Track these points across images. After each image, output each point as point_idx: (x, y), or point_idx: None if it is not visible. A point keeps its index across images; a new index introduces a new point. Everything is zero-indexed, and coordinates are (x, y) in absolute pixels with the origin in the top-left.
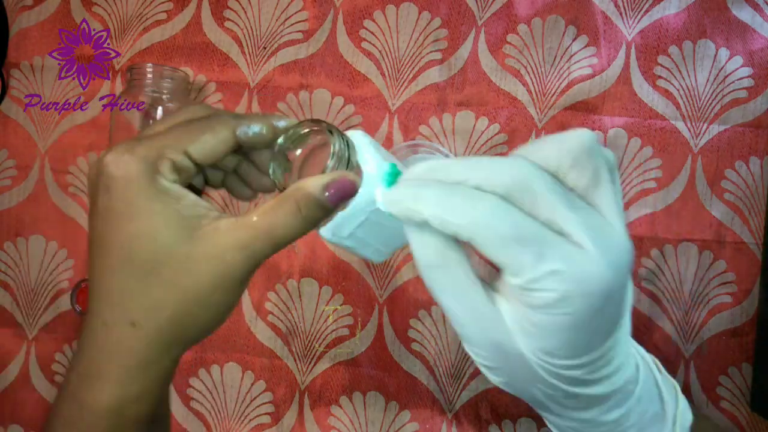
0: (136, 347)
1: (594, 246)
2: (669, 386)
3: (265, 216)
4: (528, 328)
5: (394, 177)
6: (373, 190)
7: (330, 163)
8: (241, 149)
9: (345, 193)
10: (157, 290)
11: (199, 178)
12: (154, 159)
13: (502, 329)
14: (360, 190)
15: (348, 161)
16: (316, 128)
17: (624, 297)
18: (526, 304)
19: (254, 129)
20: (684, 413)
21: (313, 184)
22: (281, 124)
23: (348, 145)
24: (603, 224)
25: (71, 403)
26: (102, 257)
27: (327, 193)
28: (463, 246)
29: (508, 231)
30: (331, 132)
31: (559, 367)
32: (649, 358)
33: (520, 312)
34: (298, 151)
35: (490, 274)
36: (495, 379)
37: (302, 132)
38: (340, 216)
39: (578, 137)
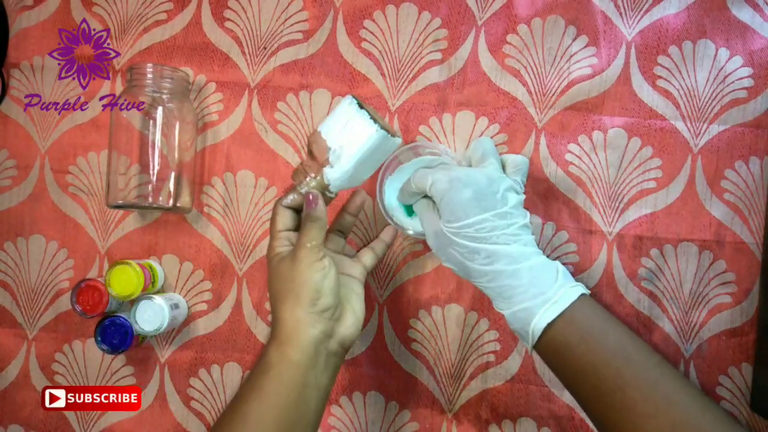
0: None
1: (444, 170)
2: (564, 272)
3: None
4: (439, 213)
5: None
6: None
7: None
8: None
9: (312, 200)
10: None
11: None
12: (281, 246)
13: (436, 221)
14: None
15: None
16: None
17: (489, 195)
18: (436, 197)
19: (290, 197)
20: (569, 282)
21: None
22: (302, 189)
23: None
24: (457, 171)
25: (275, 351)
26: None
27: (308, 206)
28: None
29: (434, 183)
30: (305, 176)
31: (454, 227)
32: (561, 267)
33: (437, 203)
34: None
35: None
36: (447, 265)
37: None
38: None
39: (481, 142)
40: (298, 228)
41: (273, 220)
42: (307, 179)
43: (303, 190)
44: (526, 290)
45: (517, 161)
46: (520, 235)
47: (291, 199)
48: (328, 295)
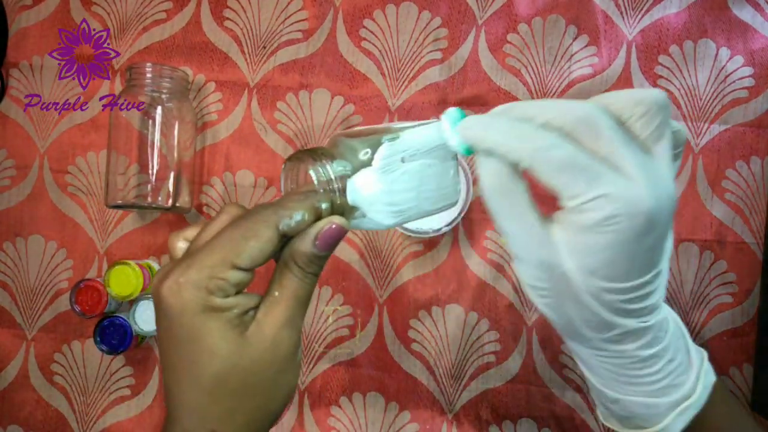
0: None
1: (642, 179)
2: (698, 351)
3: (283, 287)
4: (575, 247)
5: (462, 114)
6: (437, 134)
7: (320, 190)
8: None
9: (335, 238)
10: (226, 400)
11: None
12: (205, 283)
13: (552, 248)
14: (426, 132)
15: (335, 183)
16: (296, 166)
17: (665, 236)
18: (576, 224)
19: (296, 218)
20: (707, 373)
21: (305, 243)
22: (323, 204)
23: (333, 171)
24: (653, 166)
25: None
26: (172, 375)
27: (317, 243)
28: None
29: (562, 160)
30: (314, 164)
31: (600, 289)
32: (678, 319)
33: (570, 233)
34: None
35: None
36: (539, 301)
37: (288, 170)
38: (404, 142)
39: (655, 95)
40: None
41: (239, 240)
42: (326, 165)
43: (323, 205)
44: (657, 381)
45: (681, 137)
46: (661, 296)
47: (296, 221)
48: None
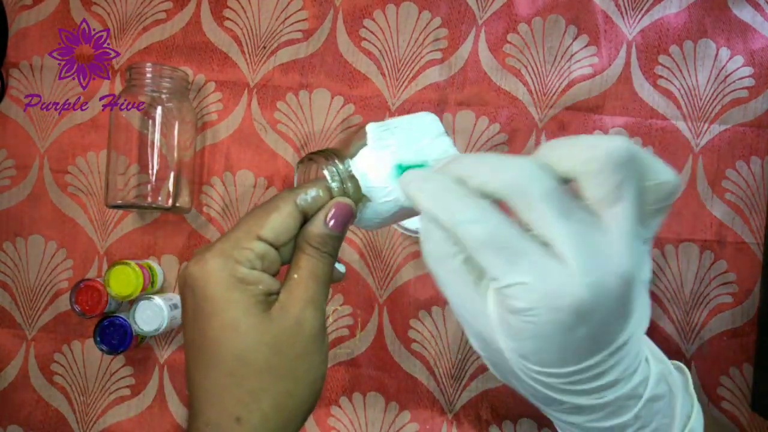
0: None
1: (575, 261)
2: (686, 404)
3: (301, 268)
4: (505, 328)
5: (401, 170)
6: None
7: (333, 185)
8: (307, 219)
9: (345, 217)
10: (250, 381)
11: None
12: (230, 252)
13: (486, 322)
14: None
15: (347, 180)
16: (309, 166)
17: (614, 320)
18: (502, 306)
19: (311, 194)
20: None
21: (316, 224)
22: (335, 185)
23: (343, 169)
24: (598, 242)
25: None
26: (195, 358)
27: (331, 223)
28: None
29: (486, 237)
30: (326, 162)
31: (535, 372)
32: (676, 374)
33: (499, 312)
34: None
35: None
36: (489, 366)
37: (303, 168)
38: (392, 123)
39: (613, 146)
40: (287, 257)
41: (261, 214)
42: (338, 164)
43: (334, 185)
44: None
45: (669, 188)
46: (639, 363)
47: (312, 196)
48: (312, 403)
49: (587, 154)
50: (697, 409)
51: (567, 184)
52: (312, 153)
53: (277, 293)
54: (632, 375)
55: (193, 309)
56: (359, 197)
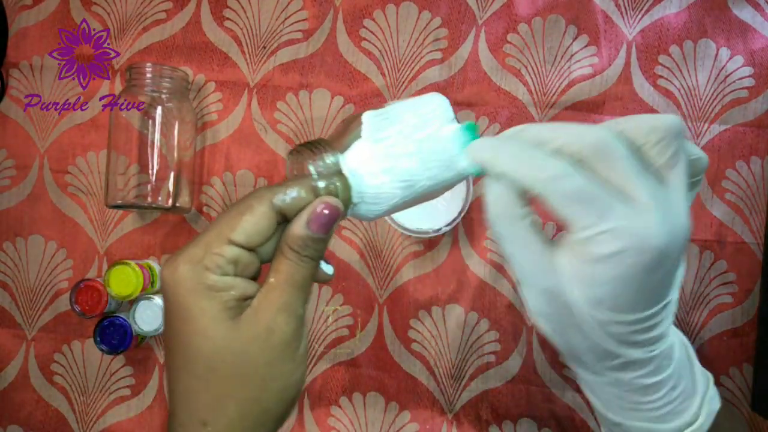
0: None
1: (654, 212)
2: (704, 374)
3: (278, 272)
4: (582, 277)
5: (472, 129)
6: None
7: (319, 183)
8: (286, 219)
9: (330, 219)
10: (217, 387)
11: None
12: (200, 257)
13: (557, 277)
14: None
15: (334, 178)
16: (297, 159)
17: (675, 268)
18: (584, 256)
19: (291, 195)
20: (712, 399)
21: (296, 226)
22: (320, 184)
23: (332, 163)
24: (668, 197)
25: None
26: (170, 360)
27: (313, 226)
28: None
29: (574, 191)
30: (313, 157)
31: (604, 320)
32: (687, 342)
33: (577, 263)
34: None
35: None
36: (544, 327)
37: (293, 161)
38: (391, 111)
39: (670, 121)
40: (268, 256)
41: (234, 215)
42: (326, 159)
43: (320, 184)
44: (659, 408)
45: (703, 163)
46: (669, 325)
47: (292, 196)
48: (288, 413)
49: (650, 124)
50: (710, 377)
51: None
52: (302, 144)
53: (254, 296)
54: (669, 333)
55: (168, 313)
56: (348, 197)
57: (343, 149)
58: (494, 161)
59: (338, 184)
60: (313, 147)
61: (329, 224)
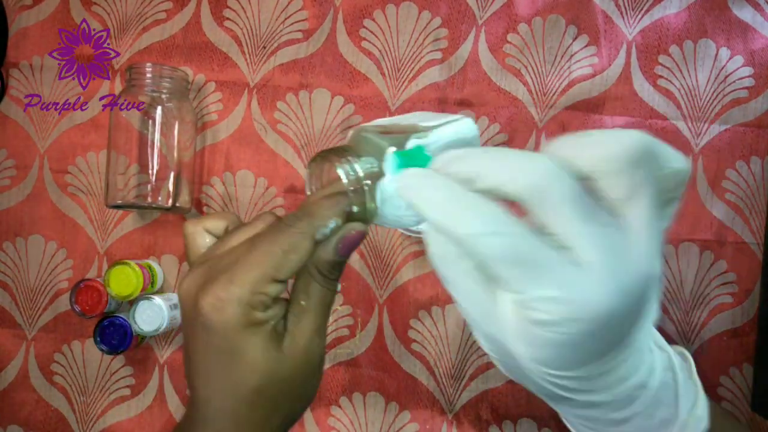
0: None
1: (601, 266)
2: (690, 391)
3: (309, 296)
4: (523, 336)
5: (401, 160)
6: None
7: (349, 191)
8: None
9: (357, 243)
10: (264, 409)
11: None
12: (248, 299)
13: (499, 327)
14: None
15: (364, 184)
16: (327, 162)
17: (632, 323)
18: (522, 316)
19: (331, 227)
20: (699, 420)
21: (327, 251)
22: (354, 208)
23: (361, 169)
24: (621, 243)
25: None
26: (207, 383)
27: (339, 249)
28: None
29: (505, 251)
30: (341, 160)
31: (552, 376)
32: (676, 360)
33: (518, 320)
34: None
35: None
36: (497, 365)
37: (315, 169)
38: (432, 140)
39: (631, 141)
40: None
41: (278, 253)
42: (359, 169)
43: (354, 209)
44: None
45: (683, 175)
46: (645, 354)
47: (331, 228)
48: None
49: (605, 152)
50: (702, 396)
51: (582, 181)
52: (325, 151)
53: (283, 317)
54: (640, 366)
55: (207, 345)
56: (373, 215)
57: (364, 155)
58: (418, 202)
59: (372, 206)
60: (338, 153)
61: (355, 247)
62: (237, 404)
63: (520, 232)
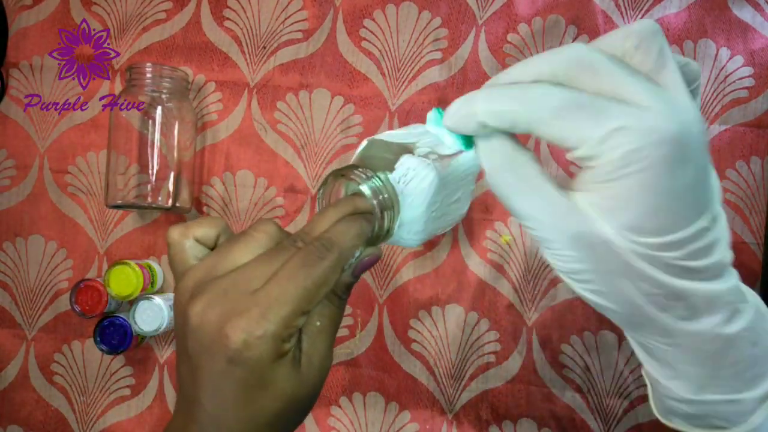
0: None
1: (658, 104)
2: None
3: (323, 317)
4: (606, 204)
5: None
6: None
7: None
8: None
9: (369, 267)
10: (281, 427)
11: None
12: (281, 334)
13: (581, 216)
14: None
15: (384, 194)
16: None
17: (703, 171)
18: (597, 176)
19: (357, 256)
20: None
21: (345, 275)
22: (375, 229)
23: (382, 180)
24: (668, 94)
25: None
26: (217, 407)
27: (355, 272)
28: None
29: (561, 103)
30: (367, 179)
31: (651, 246)
32: (758, 298)
33: (595, 191)
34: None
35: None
36: (585, 289)
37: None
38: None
39: (643, 23)
40: None
41: (311, 287)
42: (380, 184)
43: (375, 229)
44: (742, 371)
45: (694, 68)
46: (727, 252)
47: (356, 256)
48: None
49: (623, 33)
50: None
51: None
52: (339, 169)
53: (298, 338)
54: (732, 271)
55: (235, 378)
56: (391, 222)
57: (379, 171)
58: (468, 113)
59: (388, 220)
60: (357, 170)
61: (368, 269)
62: (254, 428)
63: (574, 88)
